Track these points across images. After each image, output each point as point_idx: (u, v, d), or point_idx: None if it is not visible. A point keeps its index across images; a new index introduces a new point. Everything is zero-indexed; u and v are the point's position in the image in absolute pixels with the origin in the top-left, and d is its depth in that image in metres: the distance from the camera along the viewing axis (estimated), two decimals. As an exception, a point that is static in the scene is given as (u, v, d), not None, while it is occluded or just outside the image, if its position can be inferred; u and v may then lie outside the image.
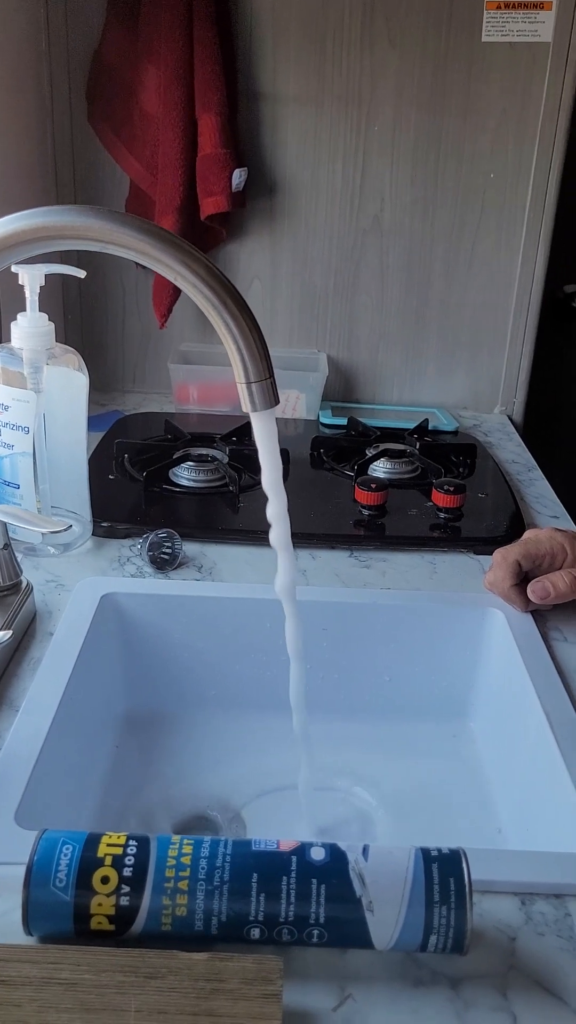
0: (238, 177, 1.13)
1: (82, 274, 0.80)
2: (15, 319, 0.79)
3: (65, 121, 1.19)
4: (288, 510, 0.61)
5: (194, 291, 0.54)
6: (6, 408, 0.79)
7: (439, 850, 0.47)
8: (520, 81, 1.17)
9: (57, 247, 0.55)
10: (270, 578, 0.62)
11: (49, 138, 1.19)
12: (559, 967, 0.47)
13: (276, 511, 0.60)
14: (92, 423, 0.89)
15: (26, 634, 0.74)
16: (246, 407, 0.57)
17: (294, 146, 1.20)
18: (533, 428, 1.44)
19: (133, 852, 0.46)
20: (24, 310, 0.79)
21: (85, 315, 1.30)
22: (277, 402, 0.57)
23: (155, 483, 1.00)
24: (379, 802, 0.73)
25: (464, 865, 0.46)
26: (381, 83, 1.17)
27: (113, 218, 0.53)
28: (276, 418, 0.58)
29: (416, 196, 1.22)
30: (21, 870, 0.46)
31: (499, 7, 1.13)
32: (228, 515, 0.96)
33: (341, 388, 1.34)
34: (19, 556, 0.77)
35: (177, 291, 1.19)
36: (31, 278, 0.78)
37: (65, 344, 0.82)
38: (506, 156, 1.21)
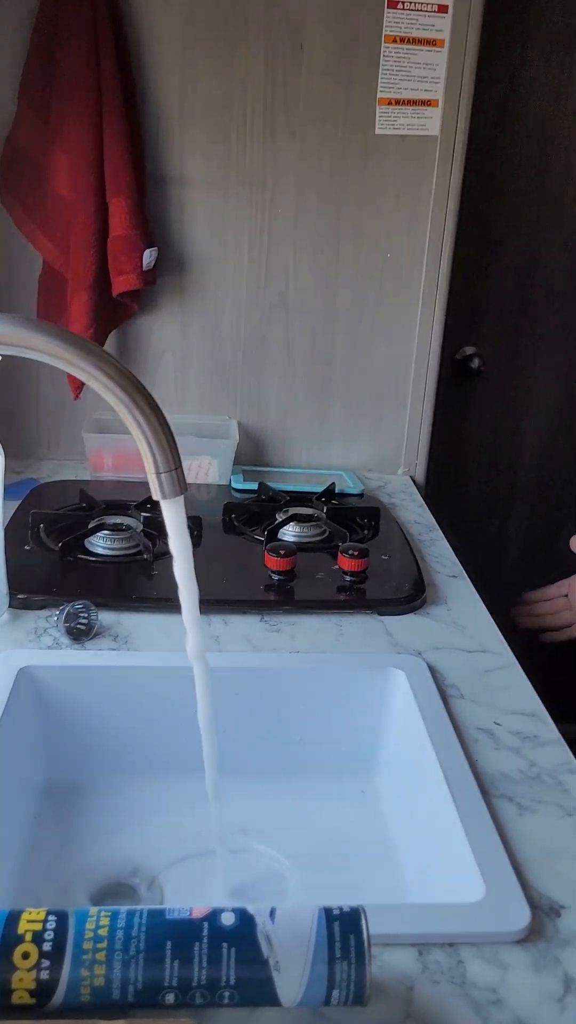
0: (148, 256, 1.18)
1: (-2, 358, 0.83)
2: None
3: (-22, 201, 1.23)
4: (199, 583, 0.64)
5: (106, 391, 0.58)
6: None
7: (340, 908, 0.51)
8: (412, 170, 1.26)
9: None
10: (183, 645, 0.65)
11: (-37, 216, 1.22)
12: (452, 1012, 0.51)
13: (186, 592, 0.64)
14: (7, 492, 0.92)
15: (-56, 711, 0.75)
16: (156, 495, 0.61)
17: (202, 227, 1.26)
18: (435, 486, 1.52)
19: (52, 927, 0.48)
20: None
21: (-1, 384, 1.32)
22: (185, 490, 0.61)
23: (71, 553, 1.02)
24: (291, 860, 0.77)
25: (363, 922, 0.50)
26: (283, 170, 1.25)
27: (28, 326, 0.57)
28: (189, 483, 0.63)
29: (319, 274, 1.30)
30: (-57, 950, 0.48)
31: (390, 103, 1.22)
32: (143, 583, 0.99)
33: (252, 452, 1.39)
34: None
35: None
36: (-53, 364, 0.81)
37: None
38: (401, 237, 1.29)
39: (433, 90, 1.22)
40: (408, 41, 1.19)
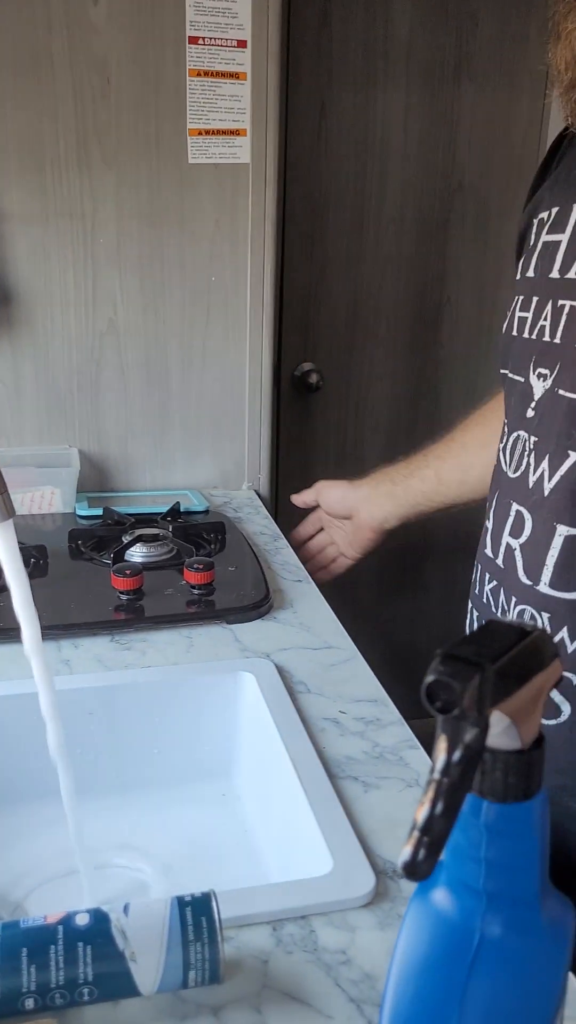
0: (-29, 291, 1.18)
1: None
2: None
3: None
4: (47, 611, 0.65)
5: None
6: None
7: (192, 895, 0.53)
8: (228, 196, 1.31)
9: None
10: (30, 672, 0.66)
11: None
12: (305, 977, 0.54)
13: (23, 612, 0.65)
14: None
15: None
16: (-17, 521, 0.62)
17: (24, 259, 1.27)
18: (284, 497, 1.57)
19: None
20: None
21: None
22: (13, 513, 0.63)
23: None
24: (156, 869, 0.78)
25: (214, 904, 0.53)
26: (101, 200, 1.27)
27: None
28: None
29: (146, 300, 1.33)
30: None
31: (200, 133, 1.27)
32: (-11, 616, 0.99)
33: (96, 479, 1.40)
34: None
35: None
36: None
37: None
38: (224, 261, 1.34)
39: (241, 120, 1.27)
40: (212, 75, 1.24)
